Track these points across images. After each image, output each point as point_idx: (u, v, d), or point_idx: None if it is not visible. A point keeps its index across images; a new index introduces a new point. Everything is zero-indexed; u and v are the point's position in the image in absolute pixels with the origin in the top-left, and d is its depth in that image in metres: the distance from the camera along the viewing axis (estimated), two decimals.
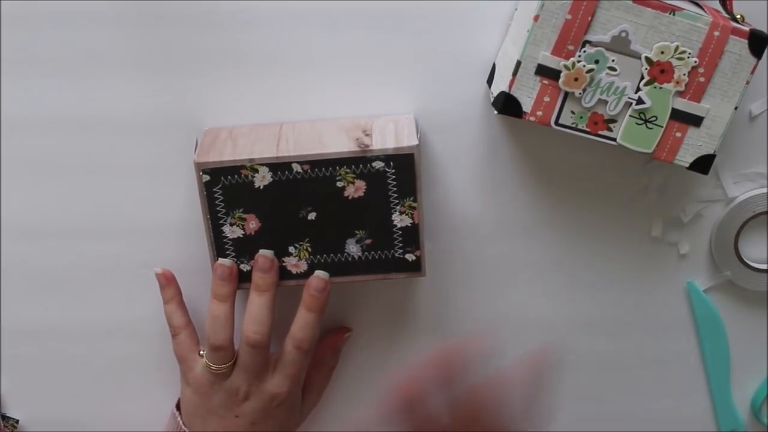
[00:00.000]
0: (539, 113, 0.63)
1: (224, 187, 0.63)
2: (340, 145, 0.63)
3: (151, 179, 0.70)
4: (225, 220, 0.64)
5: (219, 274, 0.66)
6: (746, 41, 0.62)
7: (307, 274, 0.66)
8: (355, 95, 0.69)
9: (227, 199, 0.64)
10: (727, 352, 0.75)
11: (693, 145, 0.64)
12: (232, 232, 0.65)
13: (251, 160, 0.62)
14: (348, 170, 0.63)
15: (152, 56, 0.67)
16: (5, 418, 0.75)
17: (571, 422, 0.77)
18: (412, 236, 0.65)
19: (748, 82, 0.63)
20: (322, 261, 0.66)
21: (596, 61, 0.62)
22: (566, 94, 0.63)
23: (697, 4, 0.65)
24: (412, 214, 0.64)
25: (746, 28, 0.62)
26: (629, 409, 0.77)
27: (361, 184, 0.63)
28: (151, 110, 0.68)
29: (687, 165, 0.65)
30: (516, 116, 0.63)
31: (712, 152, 0.64)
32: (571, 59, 0.62)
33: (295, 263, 0.66)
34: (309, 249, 0.65)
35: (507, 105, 0.63)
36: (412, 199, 0.64)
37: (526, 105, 0.63)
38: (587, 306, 0.75)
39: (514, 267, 0.73)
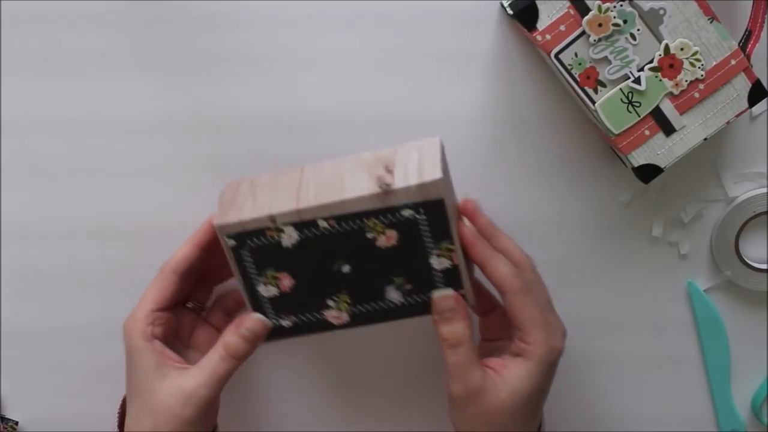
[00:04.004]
0: (548, 37, 0.63)
1: (252, 249, 0.61)
2: (360, 187, 0.59)
3: (151, 179, 0.70)
4: (258, 281, 0.62)
5: (254, 329, 0.63)
6: (750, 85, 0.63)
7: (349, 324, 0.64)
8: (355, 95, 0.69)
9: (256, 260, 0.61)
10: (728, 352, 0.75)
11: (653, 150, 0.65)
12: (266, 291, 0.62)
13: (272, 218, 0.59)
14: (376, 221, 0.59)
15: (152, 56, 0.67)
16: (5, 419, 0.75)
17: (572, 422, 0.77)
18: (454, 277, 0.62)
19: (728, 122, 0.64)
20: (363, 310, 0.63)
21: (625, 21, 0.62)
22: (582, 33, 0.62)
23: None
24: (450, 256, 0.61)
25: (755, 75, 0.63)
26: (629, 409, 0.77)
27: (392, 234, 0.60)
28: (151, 110, 0.68)
29: (635, 165, 0.65)
30: (526, 27, 0.63)
31: (662, 167, 0.65)
32: (607, 4, 0.62)
33: (336, 315, 0.63)
34: (348, 300, 0.63)
35: (525, 11, 0.62)
36: (448, 241, 0.60)
37: (542, 23, 0.63)
38: (587, 306, 0.75)
39: None
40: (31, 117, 0.69)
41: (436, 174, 0.58)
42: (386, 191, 0.58)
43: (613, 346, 0.76)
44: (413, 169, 0.59)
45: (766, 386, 0.76)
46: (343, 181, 0.60)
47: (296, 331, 0.64)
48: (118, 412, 0.67)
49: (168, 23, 0.67)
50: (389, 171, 0.59)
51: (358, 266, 0.61)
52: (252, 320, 0.63)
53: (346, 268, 0.61)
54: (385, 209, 0.59)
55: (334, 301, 0.63)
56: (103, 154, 0.70)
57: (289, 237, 0.60)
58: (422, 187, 0.58)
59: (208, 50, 0.68)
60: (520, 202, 0.72)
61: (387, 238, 0.60)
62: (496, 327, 0.67)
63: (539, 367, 0.62)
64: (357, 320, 0.64)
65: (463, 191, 0.71)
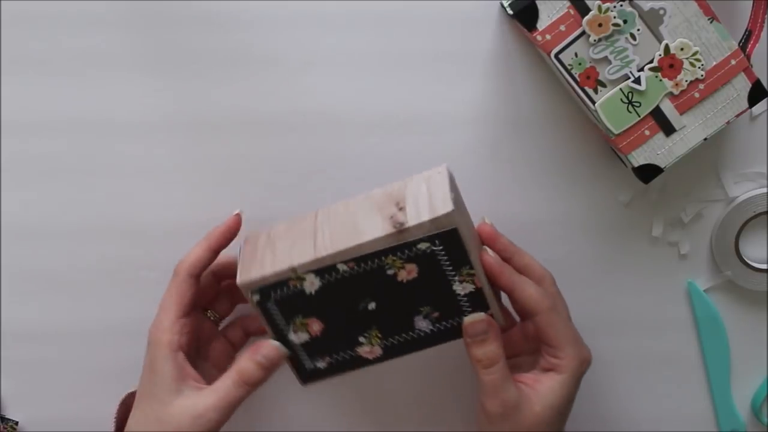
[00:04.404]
0: (548, 37, 0.63)
1: (277, 301, 0.61)
2: (375, 229, 0.59)
3: (151, 179, 0.70)
4: (287, 329, 0.62)
5: (270, 356, 0.62)
6: (750, 85, 0.63)
7: (383, 357, 0.64)
8: (355, 95, 0.69)
9: (283, 310, 0.61)
10: (728, 352, 0.75)
11: (653, 150, 0.65)
12: (298, 338, 0.62)
13: (293, 269, 0.59)
14: (394, 258, 0.59)
15: (152, 56, 0.67)
16: (4, 419, 0.74)
17: (572, 422, 0.77)
18: (479, 299, 0.62)
19: (728, 122, 0.64)
20: (395, 342, 0.63)
21: (625, 21, 0.62)
22: (582, 33, 0.63)
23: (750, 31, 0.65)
24: (472, 280, 0.61)
25: (755, 75, 0.63)
26: (629, 409, 0.77)
27: (412, 267, 0.60)
28: (151, 110, 0.68)
29: (635, 165, 0.65)
30: (526, 27, 0.63)
31: (662, 167, 0.65)
32: (607, 4, 0.62)
33: (369, 350, 0.63)
34: (379, 335, 0.63)
35: (525, 11, 0.62)
36: (468, 267, 0.60)
37: (542, 22, 0.63)
38: (588, 306, 0.74)
39: None
40: (31, 117, 0.69)
41: (447, 206, 0.58)
42: (400, 230, 0.58)
43: (613, 346, 0.76)
44: (424, 203, 0.59)
45: (766, 386, 0.76)
46: (357, 225, 0.60)
47: (332, 370, 0.64)
48: (116, 417, 0.67)
49: (168, 23, 0.67)
50: (401, 208, 0.59)
51: (383, 302, 0.61)
52: (268, 347, 0.62)
53: (371, 306, 0.61)
54: (401, 246, 0.59)
55: (365, 337, 0.63)
56: (103, 154, 0.70)
57: (311, 284, 0.60)
58: (435, 221, 0.58)
59: (208, 50, 0.68)
60: (520, 203, 0.71)
61: (407, 272, 0.60)
62: (515, 343, 0.68)
63: (571, 380, 0.63)
64: (390, 352, 0.64)
65: (463, 192, 0.71)
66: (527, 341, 0.67)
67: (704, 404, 0.77)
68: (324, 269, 0.59)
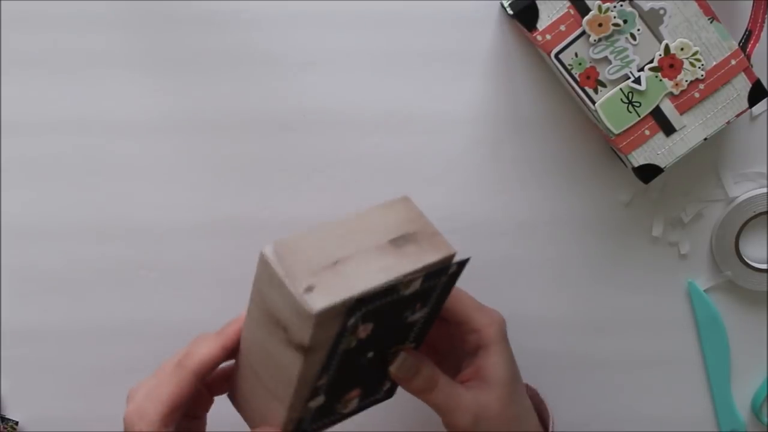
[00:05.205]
0: (548, 37, 0.63)
1: (309, 422, 0.59)
2: (291, 362, 0.53)
3: (151, 179, 0.70)
4: (335, 408, 0.60)
5: None
6: (750, 85, 0.63)
7: (417, 346, 0.61)
8: (355, 95, 0.69)
9: (319, 415, 0.59)
10: (728, 352, 0.75)
11: (653, 150, 0.65)
12: (351, 403, 0.60)
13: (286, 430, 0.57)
14: (339, 344, 0.53)
15: (152, 56, 0.67)
16: (5, 419, 0.75)
17: (571, 422, 0.77)
18: (436, 272, 0.55)
19: (728, 122, 0.64)
20: (415, 334, 0.60)
21: (625, 21, 0.62)
22: (582, 33, 0.63)
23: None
24: (412, 277, 0.53)
25: (755, 75, 0.63)
26: (629, 409, 0.77)
27: (362, 328, 0.54)
28: (151, 110, 0.68)
29: (635, 165, 0.65)
30: (526, 27, 0.63)
31: (663, 167, 0.65)
32: (607, 4, 0.62)
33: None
34: (399, 346, 0.60)
35: (525, 11, 0.63)
36: (398, 284, 0.52)
37: (542, 22, 0.63)
38: (587, 306, 0.75)
39: (514, 267, 0.73)
40: (31, 117, 0.69)
41: (311, 309, 0.49)
42: (306, 351, 0.51)
43: (613, 346, 0.76)
44: (293, 312, 0.50)
45: (766, 386, 0.76)
46: (278, 362, 0.54)
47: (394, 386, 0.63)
48: None
49: (168, 23, 0.67)
50: (284, 329, 0.52)
51: (373, 348, 0.57)
52: None
53: (370, 354, 0.58)
54: (333, 347, 0.53)
55: (393, 354, 0.60)
56: (103, 154, 0.70)
57: (315, 401, 0.57)
58: (319, 325, 0.50)
59: (208, 50, 0.68)
60: (520, 202, 0.71)
61: (363, 330, 0.54)
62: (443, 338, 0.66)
63: (502, 344, 0.62)
64: (419, 339, 0.61)
65: (462, 192, 0.71)
66: (444, 345, 0.65)
67: (704, 404, 0.77)
68: (305, 400, 0.56)
